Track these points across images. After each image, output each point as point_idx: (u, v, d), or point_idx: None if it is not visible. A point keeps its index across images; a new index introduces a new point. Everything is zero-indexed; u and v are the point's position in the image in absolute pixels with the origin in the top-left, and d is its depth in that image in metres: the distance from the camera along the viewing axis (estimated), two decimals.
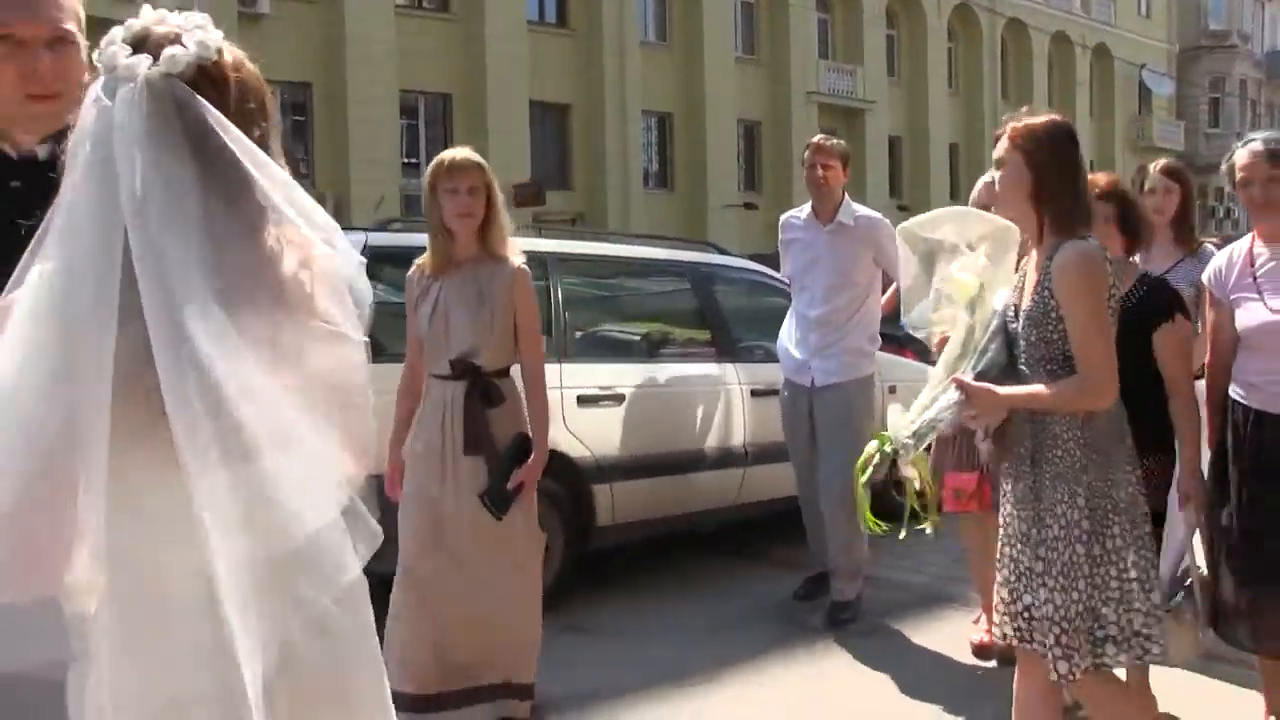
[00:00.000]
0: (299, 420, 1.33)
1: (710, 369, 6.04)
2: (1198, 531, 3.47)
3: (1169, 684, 3.75)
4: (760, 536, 6.25)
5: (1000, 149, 2.96)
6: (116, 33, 1.42)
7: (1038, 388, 2.84)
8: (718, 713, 4.10)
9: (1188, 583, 3.45)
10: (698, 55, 27.59)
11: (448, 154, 3.79)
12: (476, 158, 3.76)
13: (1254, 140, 3.46)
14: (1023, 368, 2.93)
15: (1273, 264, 3.41)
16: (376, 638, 1.62)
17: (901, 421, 3.00)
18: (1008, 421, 2.94)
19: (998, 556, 3.04)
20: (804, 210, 5.39)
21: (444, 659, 3.67)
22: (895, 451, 2.98)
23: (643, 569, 6.08)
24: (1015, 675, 3.06)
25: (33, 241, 1.33)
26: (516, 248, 3.81)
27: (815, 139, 5.47)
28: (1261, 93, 48.73)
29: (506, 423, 3.71)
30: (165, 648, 1.28)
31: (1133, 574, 2.83)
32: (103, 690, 1.25)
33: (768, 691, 4.32)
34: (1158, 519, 3.42)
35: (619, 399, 5.51)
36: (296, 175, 1.53)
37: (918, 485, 3.11)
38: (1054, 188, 2.87)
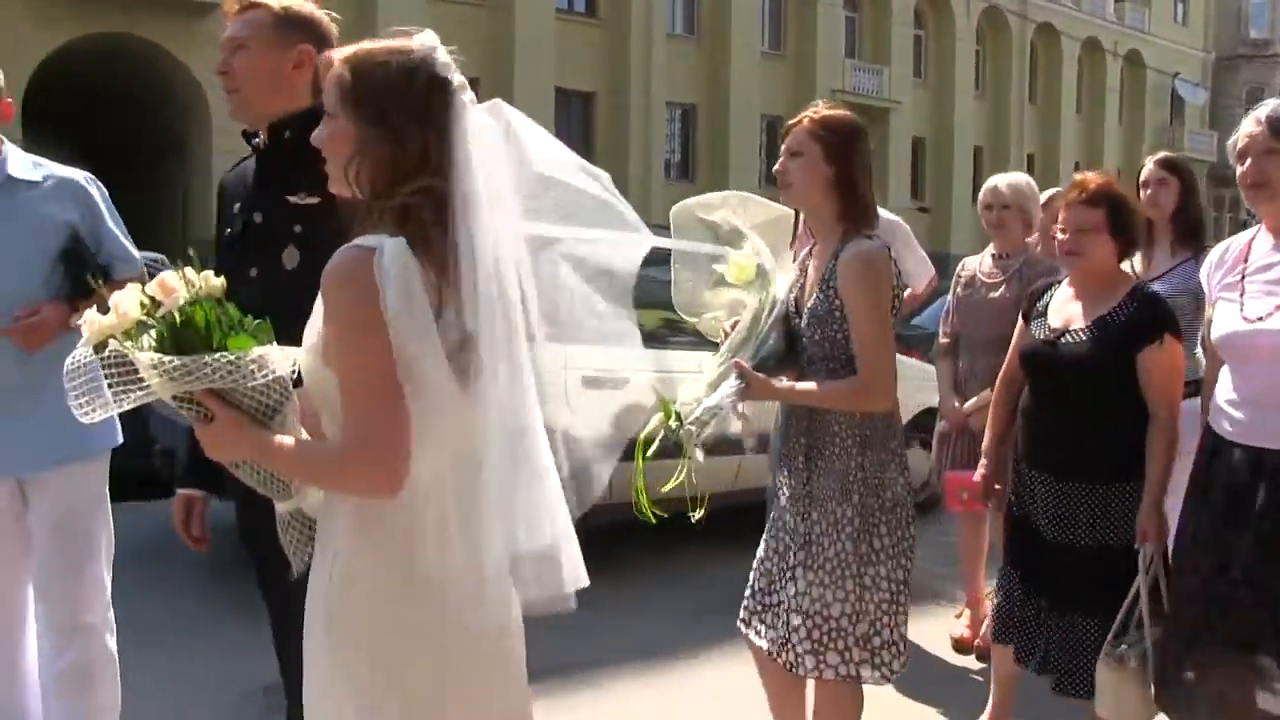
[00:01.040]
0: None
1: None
2: (1158, 575, 3.12)
3: None
4: (751, 524, 6.35)
5: (796, 139, 2.87)
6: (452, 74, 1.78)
7: (812, 385, 2.80)
8: (697, 691, 4.19)
9: (1133, 624, 3.13)
10: (724, 49, 27.68)
11: None
12: None
13: (1262, 106, 2.89)
14: (804, 363, 2.88)
15: (1270, 261, 2.86)
16: None
17: (689, 396, 2.88)
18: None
19: (761, 547, 2.98)
20: None
21: None
22: (679, 430, 2.86)
23: (635, 549, 6.20)
24: (763, 678, 3.02)
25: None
26: None
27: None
28: None
29: None
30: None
31: (899, 576, 2.79)
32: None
33: (749, 673, 4.43)
34: (1125, 552, 3.16)
35: (622, 382, 5.62)
36: None
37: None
38: (852, 183, 2.85)
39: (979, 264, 4.71)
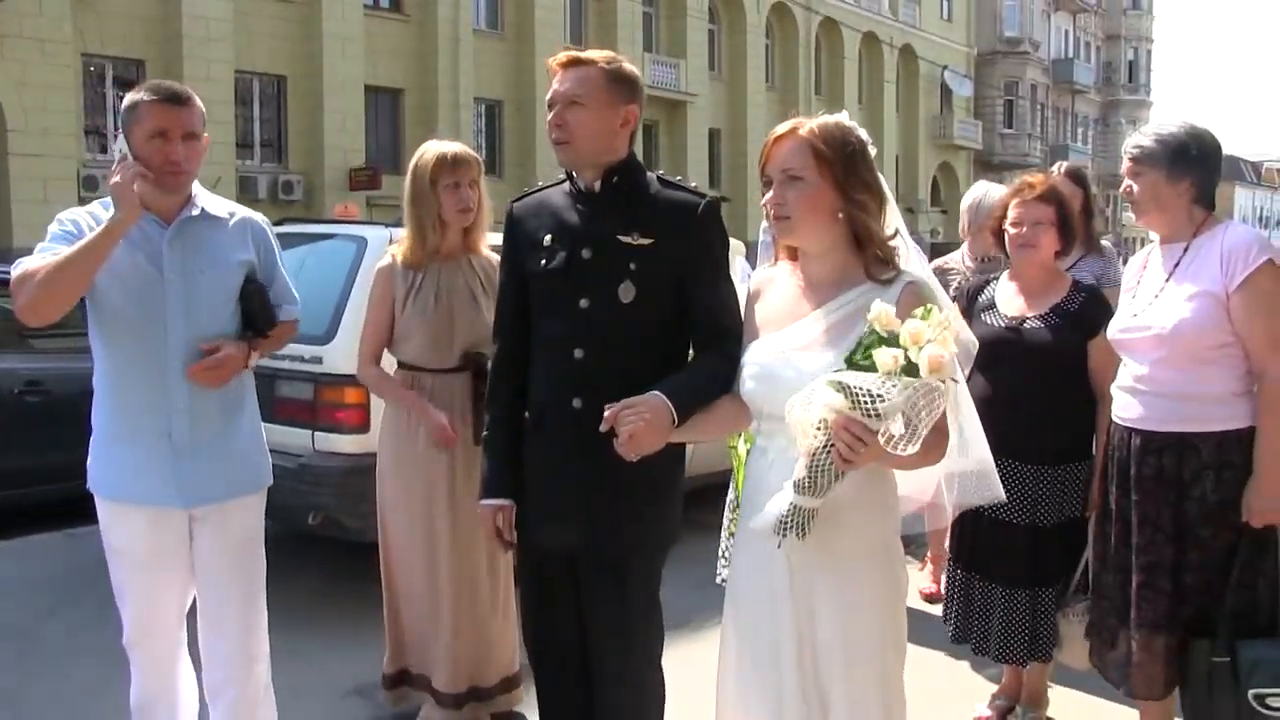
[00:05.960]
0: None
1: None
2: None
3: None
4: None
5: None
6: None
7: None
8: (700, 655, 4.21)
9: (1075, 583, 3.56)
10: (529, 44, 27.89)
11: (446, 147, 3.67)
12: (472, 151, 3.72)
13: (1131, 137, 3.25)
14: None
15: (1157, 266, 3.21)
16: None
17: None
18: None
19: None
20: None
21: (451, 657, 3.71)
22: None
23: None
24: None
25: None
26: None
27: None
28: (1049, 97, 52.14)
29: None
30: None
31: None
32: None
33: None
34: (1083, 522, 3.55)
35: None
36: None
37: None
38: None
39: (961, 265, 5.03)
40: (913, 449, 2.03)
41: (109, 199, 2.84)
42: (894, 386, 2.00)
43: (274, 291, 3.13)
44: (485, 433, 2.95)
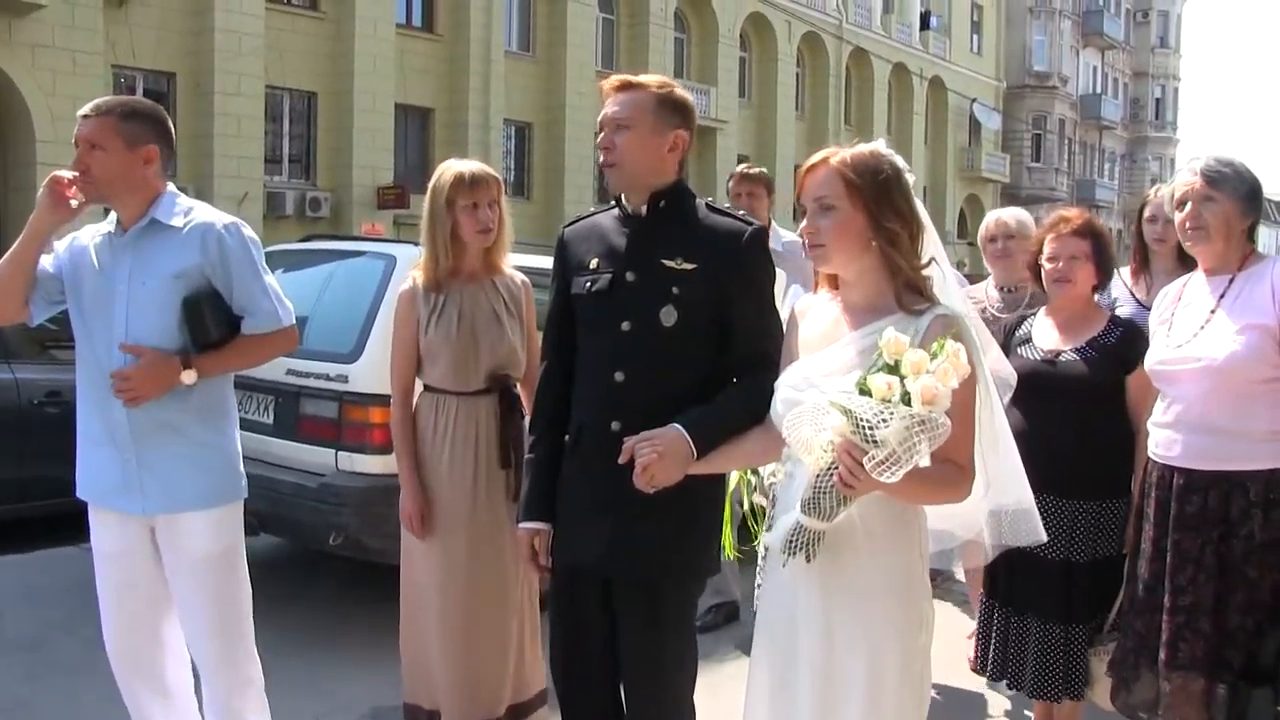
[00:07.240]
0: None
1: None
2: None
3: None
4: None
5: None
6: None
7: None
8: (728, 681, 4.06)
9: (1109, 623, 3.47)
10: (559, 67, 28.00)
11: (464, 167, 3.55)
12: (493, 171, 3.62)
13: (1196, 160, 3.15)
14: None
15: (1198, 296, 3.15)
16: None
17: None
18: None
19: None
20: None
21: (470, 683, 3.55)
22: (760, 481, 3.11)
23: None
24: None
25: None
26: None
27: (739, 168, 5.72)
28: (1076, 132, 52.08)
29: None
30: None
31: None
32: None
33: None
34: (1121, 560, 3.44)
35: None
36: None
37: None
38: None
39: (985, 296, 4.67)
40: (892, 478, 2.02)
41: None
42: (891, 414, 2.01)
43: (236, 303, 3.01)
44: (528, 454, 2.94)
